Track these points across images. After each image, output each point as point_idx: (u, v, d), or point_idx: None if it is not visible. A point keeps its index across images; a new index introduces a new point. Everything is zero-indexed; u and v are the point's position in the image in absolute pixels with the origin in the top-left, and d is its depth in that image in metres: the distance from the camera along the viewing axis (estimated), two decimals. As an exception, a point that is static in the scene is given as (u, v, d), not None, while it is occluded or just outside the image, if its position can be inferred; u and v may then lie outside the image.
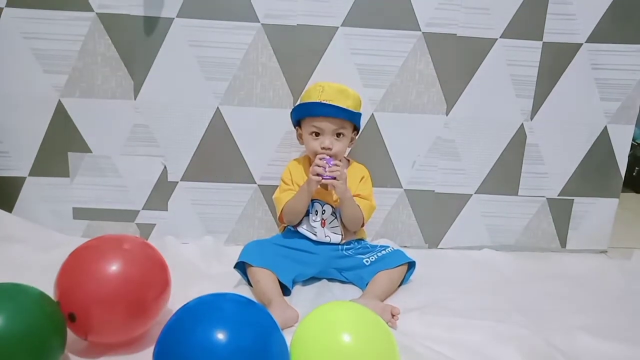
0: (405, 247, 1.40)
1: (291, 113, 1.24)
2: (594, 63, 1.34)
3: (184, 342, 0.66)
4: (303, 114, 1.20)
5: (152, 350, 0.70)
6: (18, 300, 0.76)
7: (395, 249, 1.23)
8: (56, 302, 0.83)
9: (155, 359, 0.68)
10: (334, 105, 1.15)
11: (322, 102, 1.15)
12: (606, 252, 1.47)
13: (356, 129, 1.25)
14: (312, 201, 1.21)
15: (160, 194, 1.37)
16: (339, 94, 1.17)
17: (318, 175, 1.13)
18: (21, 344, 0.73)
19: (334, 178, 1.13)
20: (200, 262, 1.27)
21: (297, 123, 1.24)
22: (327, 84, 1.19)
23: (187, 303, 0.73)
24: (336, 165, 1.14)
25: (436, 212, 1.43)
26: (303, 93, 1.25)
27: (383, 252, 1.20)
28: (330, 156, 1.16)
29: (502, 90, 1.35)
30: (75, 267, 0.86)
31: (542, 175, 1.42)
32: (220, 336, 0.66)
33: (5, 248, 1.24)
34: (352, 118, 1.19)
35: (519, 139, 1.39)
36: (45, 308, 0.79)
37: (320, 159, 1.14)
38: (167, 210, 1.38)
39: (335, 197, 1.19)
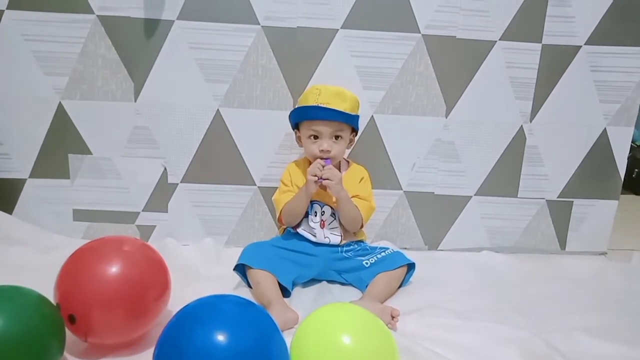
0: (405, 248, 1.40)
1: (289, 116, 1.24)
2: (593, 65, 1.35)
3: (184, 344, 0.66)
4: (301, 117, 1.20)
5: (152, 351, 0.70)
6: (16, 303, 0.76)
7: (395, 250, 1.23)
8: (55, 305, 0.83)
9: None
10: (331, 109, 1.15)
11: (319, 105, 1.16)
12: (606, 254, 1.47)
13: (354, 130, 1.25)
14: (312, 202, 1.21)
15: (161, 195, 1.37)
16: (336, 96, 1.17)
17: (315, 175, 1.13)
18: (19, 347, 0.73)
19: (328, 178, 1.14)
20: (200, 264, 1.27)
21: (296, 126, 1.25)
22: (324, 87, 1.19)
23: (187, 305, 0.73)
24: (330, 168, 1.14)
25: (436, 214, 1.43)
26: (300, 96, 1.25)
27: (383, 253, 1.20)
28: (329, 158, 1.17)
29: (502, 92, 1.36)
30: (76, 268, 0.86)
31: (541, 177, 1.42)
32: (220, 338, 0.66)
33: (5, 250, 1.24)
34: (349, 121, 1.20)
35: (519, 141, 1.39)
36: (44, 311, 0.79)
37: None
38: (167, 212, 1.38)
39: (334, 198, 1.19)
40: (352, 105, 1.20)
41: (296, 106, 1.27)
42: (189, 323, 0.69)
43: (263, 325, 0.72)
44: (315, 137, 1.19)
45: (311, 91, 1.20)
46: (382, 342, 0.75)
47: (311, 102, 1.17)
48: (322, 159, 1.17)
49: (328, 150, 1.17)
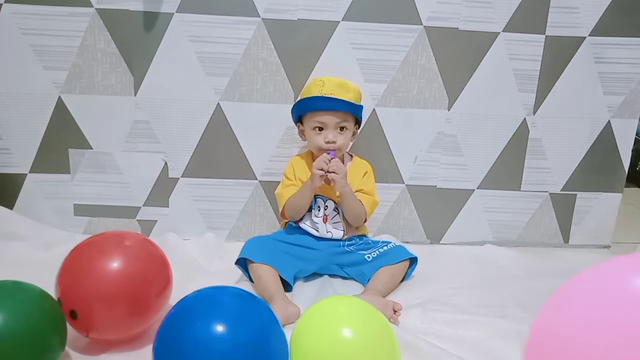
0: (407, 242, 1.40)
1: (292, 110, 1.23)
2: (597, 57, 1.33)
3: (182, 336, 0.66)
4: (305, 109, 1.19)
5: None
6: (18, 298, 0.76)
7: (397, 244, 1.23)
8: (56, 300, 0.83)
9: (155, 353, 0.68)
10: (336, 99, 1.14)
11: (324, 96, 1.15)
12: (609, 247, 1.47)
13: (357, 122, 1.24)
14: (315, 197, 1.21)
15: (161, 190, 1.37)
16: (340, 87, 1.16)
17: (321, 170, 1.13)
18: (21, 342, 0.72)
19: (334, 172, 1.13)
20: (201, 259, 1.27)
21: (299, 119, 1.24)
22: (327, 78, 1.18)
23: (186, 296, 0.72)
24: (336, 162, 1.14)
25: (438, 208, 1.42)
26: (303, 89, 1.24)
27: (385, 247, 1.20)
28: (334, 150, 1.16)
29: (505, 84, 1.34)
30: (77, 264, 0.85)
31: (544, 170, 1.41)
32: (219, 330, 0.66)
33: (6, 245, 1.23)
34: (354, 111, 1.19)
35: (522, 133, 1.38)
36: (45, 306, 0.78)
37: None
38: (168, 206, 1.38)
39: (338, 192, 1.19)
40: (356, 96, 1.20)
41: (299, 99, 1.26)
42: (187, 315, 0.68)
43: (262, 317, 0.72)
44: (320, 129, 1.18)
45: (314, 83, 1.19)
46: (382, 335, 0.75)
47: (315, 94, 1.16)
48: (327, 151, 1.16)
49: (334, 142, 1.16)
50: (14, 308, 0.74)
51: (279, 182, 1.28)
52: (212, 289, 0.74)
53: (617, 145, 1.39)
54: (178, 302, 0.72)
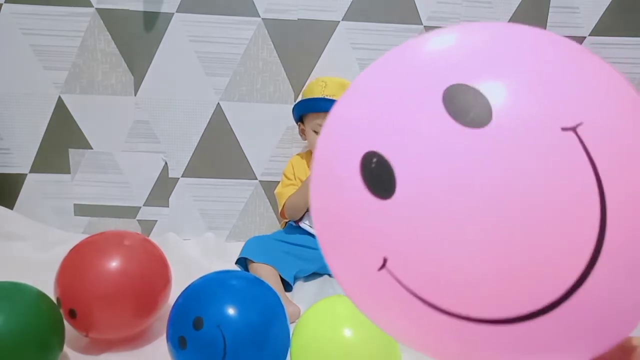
0: (407, 242, 1.39)
1: (293, 109, 1.23)
2: (597, 57, 1.33)
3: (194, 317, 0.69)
4: (306, 110, 1.19)
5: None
6: (15, 299, 0.76)
7: (397, 244, 1.22)
8: (54, 301, 0.83)
9: (169, 334, 0.70)
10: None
11: (326, 97, 1.15)
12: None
13: (358, 123, 1.24)
14: (314, 197, 1.20)
15: (162, 190, 1.37)
16: (342, 88, 1.16)
17: None
18: (19, 343, 0.72)
19: None
20: (201, 259, 1.26)
21: (300, 119, 1.24)
22: (329, 79, 1.18)
23: (194, 281, 0.75)
24: None
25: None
26: (304, 88, 1.24)
27: (385, 247, 1.20)
28: None
29: (505, 84, 1.34)
30: (76, 263, 0.85)
31: (545, 170, 1.41)
32: (230, 312, 0.68)
33: (6, 245, 1.23)
34: None
35: (522, 133, 1.38)
36: (43, 307, 0.78)
37: None
38: (168, 206, 1.38)
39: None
40: (356, 98, 1.19)
41: (300, 99, 1.26)
42: (197, 298, 0.71)
43: (269, 299, 0.76)
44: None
45: (316, 83, 1.19)
46: (382, 334, 0.73)
47: (317, 94, 1.16)
48: None
49: None
50: (12, 309, 0.74)
51: (279, 181, 1.28)
52: (220, 272, 0.77)
53: (617, 145, 1.39)
54: (187, 288, 0.74)
